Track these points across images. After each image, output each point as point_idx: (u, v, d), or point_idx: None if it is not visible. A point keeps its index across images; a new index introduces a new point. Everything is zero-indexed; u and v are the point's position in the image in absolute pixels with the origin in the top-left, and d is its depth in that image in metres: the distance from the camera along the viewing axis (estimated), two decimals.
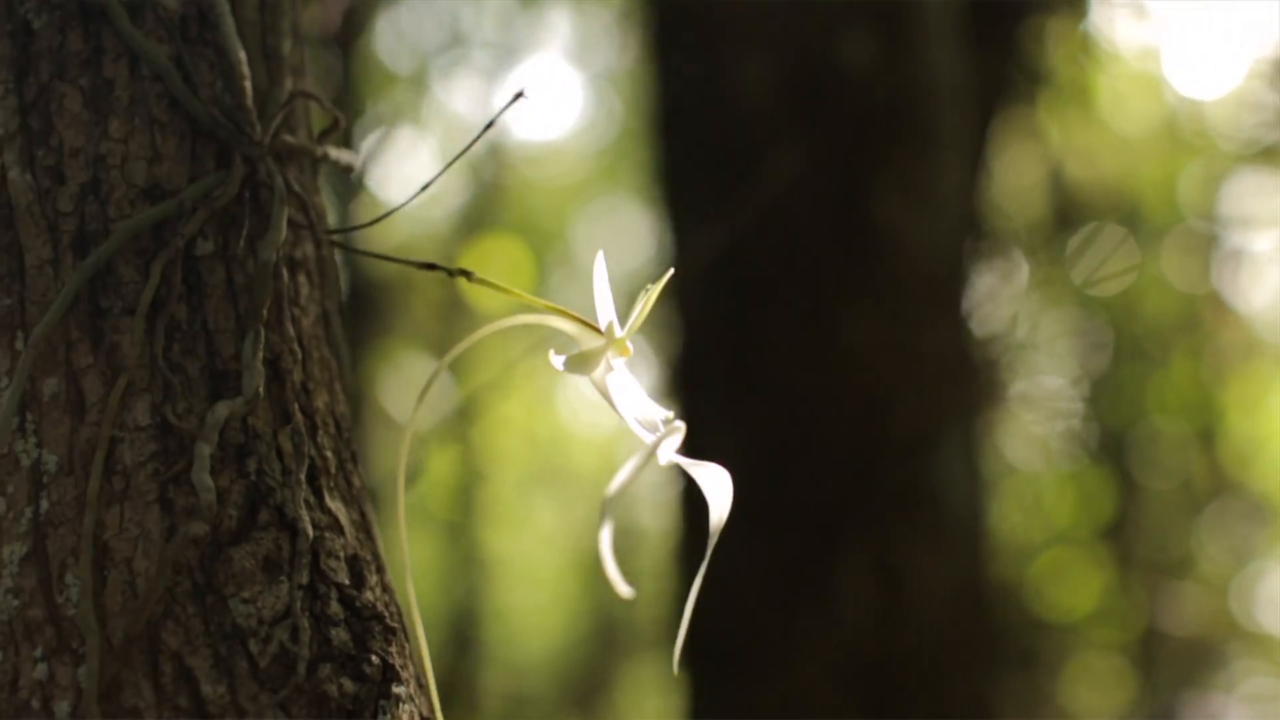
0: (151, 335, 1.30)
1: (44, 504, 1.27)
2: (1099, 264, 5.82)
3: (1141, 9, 6.16)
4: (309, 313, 1.39)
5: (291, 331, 1.34)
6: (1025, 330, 5.45)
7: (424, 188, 1.36)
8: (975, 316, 3.45)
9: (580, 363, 1.28)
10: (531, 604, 8.40)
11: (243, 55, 1.37)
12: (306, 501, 1.31)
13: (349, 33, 4.20)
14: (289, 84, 1.42)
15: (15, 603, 1.25)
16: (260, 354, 1.30)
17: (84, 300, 1.30)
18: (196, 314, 1.32)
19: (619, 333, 1.30)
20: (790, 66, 3.26)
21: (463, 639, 6.83)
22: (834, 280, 3.21)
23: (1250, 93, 6.15)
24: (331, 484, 1.34)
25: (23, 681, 1.24)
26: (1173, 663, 5.98)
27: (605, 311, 1.29)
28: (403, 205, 1.36)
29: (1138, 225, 6.02)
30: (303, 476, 1.31)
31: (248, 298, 1.33)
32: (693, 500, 3.37)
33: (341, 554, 1.31)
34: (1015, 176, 4.99)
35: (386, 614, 1.31)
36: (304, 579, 1.27)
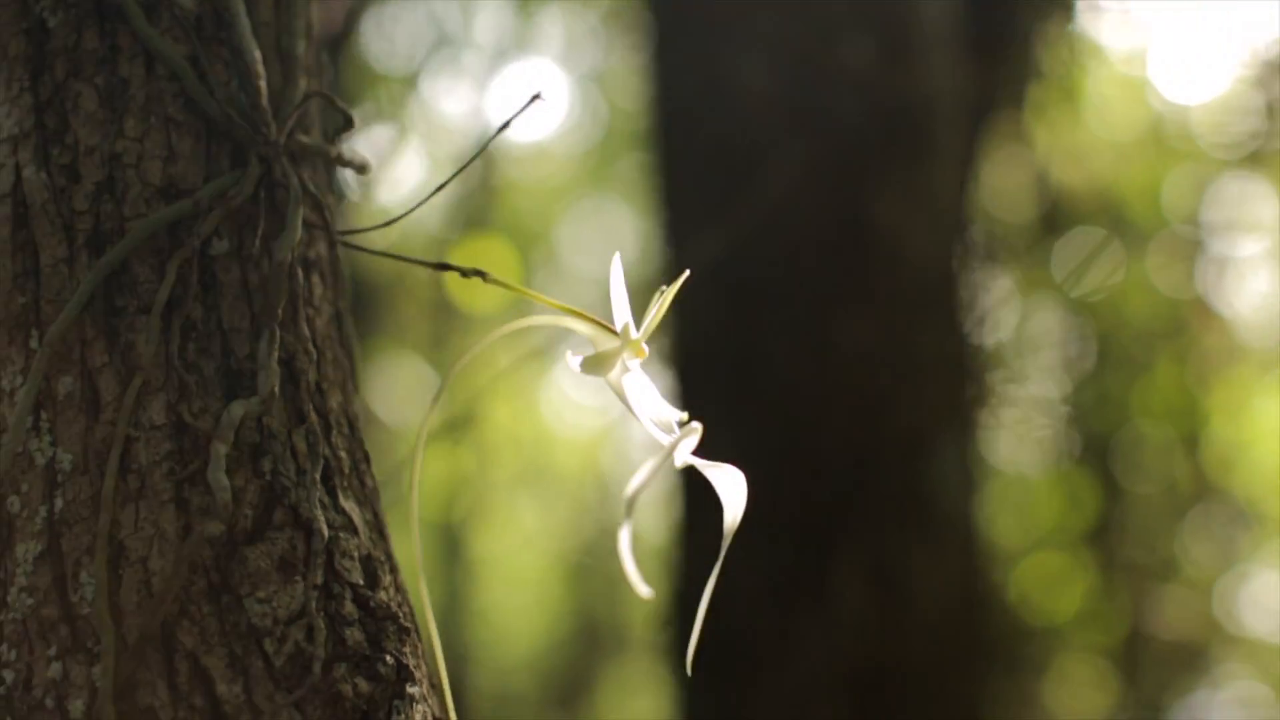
0: (167, 334, 1.29)
1: (59, 503, 1.27)
2: (1084, 268, 5.84)
3: (1128, 13, 6.18)
4: (322, 313, 1.39)
5: (306, 331, 1.34)
6: (1012, 334, 5.46)
7: (439, 188, 1.36)
8: (970, 320, 3.45)
9: (596, 364, 1.28)
10: (514, 604, 8.40)
11: (258, 55, 1.37)
12: (321, 502, 1.30)
13: (339, 33, 4.20)
14: (303, 84, 1.42)
15: (30, 601, 1.25)
16: (275, 354, 1.30)
17: (99, 299, 1.30)
18: (212, 313, 1.31)
19: (635, 334, 1.30)
20: (790, 70, 3.26)
21: (447, 639, 6.83)
22: (831, 283, 3.21)
23: (1236, 97, 6.17)
24: (345, 484, 1.34)
25: (37, 680, 1.24)
26: (1157, 666, 5.99)
27: (621, 313, 1.29)
28: (417, 206, 1.36)
29: (1123, 229, 6.03)
30: (318, 476, 1.31)
31: (263, 297, 1.32)
32: (688, 500, 3.38)
33: (356, 554, 1.31)
34: (1002, 180, 5.00)
35: (400, 614, 1.31)
36: (319, 579, 1.27)
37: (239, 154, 1.36)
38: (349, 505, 1.33)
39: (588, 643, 8.12)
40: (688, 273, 1.31)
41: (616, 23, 6.91)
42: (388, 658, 1.28)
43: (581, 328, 1.32)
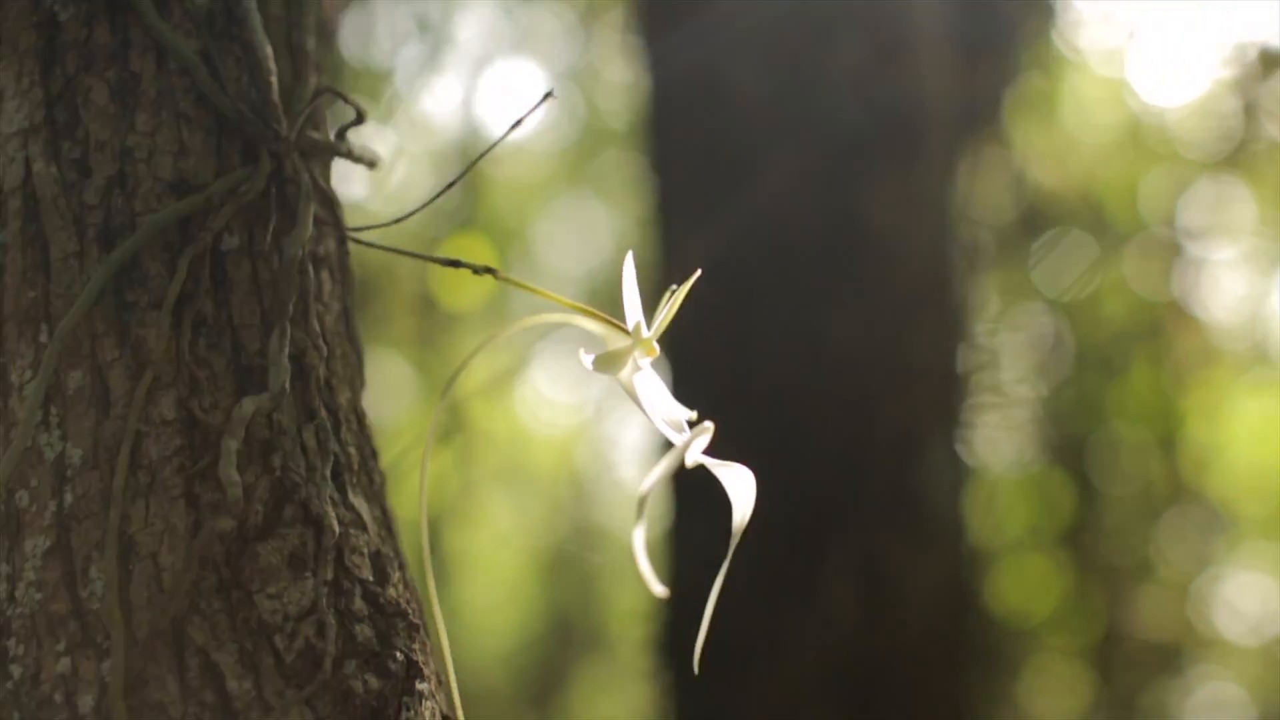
0: (178, 330, 1.29)
1: (68, 497, 1.26)
2: (1062, 270, 5.85)
3: (1107, 16, 6.19)
4: (331, 309, 1.39)
5: (316, 327, 1.34)
6: (995, 335, 5.47)
7: (449, 185, 1.36)
8: (961, 321, 3.46)
9: (608, 362, 1.28)
10: (489, 601, 8.39)
11: (269, 50, 1.37)
12: (331, 498, 1.30)
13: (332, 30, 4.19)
14: (313, 80, 1.42)
15: (38, 596, 1.25)
16: (286, 350, 1.30)
17: (109, 294, 1.29)
18: (222, 309, 1.31)
19: (646, 333, 1.30)
20: (783, 71, 3.27)
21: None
22: (823, 283, 3.22)
23: (1214, 100, 6.19)
24: (354, 480, 1.34)
25: (45, 675, 1.23)
26: (1131, 667, 6.01)
27: (633, 311, 1.30)
28: (427, 204, 1.36)
29: (1101, 231, 6.05)
30: (328, 473, 1.31)
31: (273, 293, 1.32)
32: (677, 499, 3.38)
33: (365, 550, 1.31)
34: (985, 182, 5.01)
35: (409, 610, 1.31)
36: (329, 575, 1.27)
37: (250, 149, 1.35)
38: (358, 501, 1.33)
39: (561, 640, 8.12)
40: (699, 272, 1.31)
41: (595, 20, 6.91)
42: (397, 654, 1.28)
43: (592, 326, 1.32)
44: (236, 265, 1.33)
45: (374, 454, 1.39)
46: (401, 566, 1.35)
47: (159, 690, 1.22)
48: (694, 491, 3.19)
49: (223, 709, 1.22)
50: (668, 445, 3.42)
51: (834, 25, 3.29)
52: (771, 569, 3.10)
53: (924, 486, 3.20)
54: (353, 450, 1.35)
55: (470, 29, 6.97)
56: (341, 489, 1.32)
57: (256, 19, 1.37)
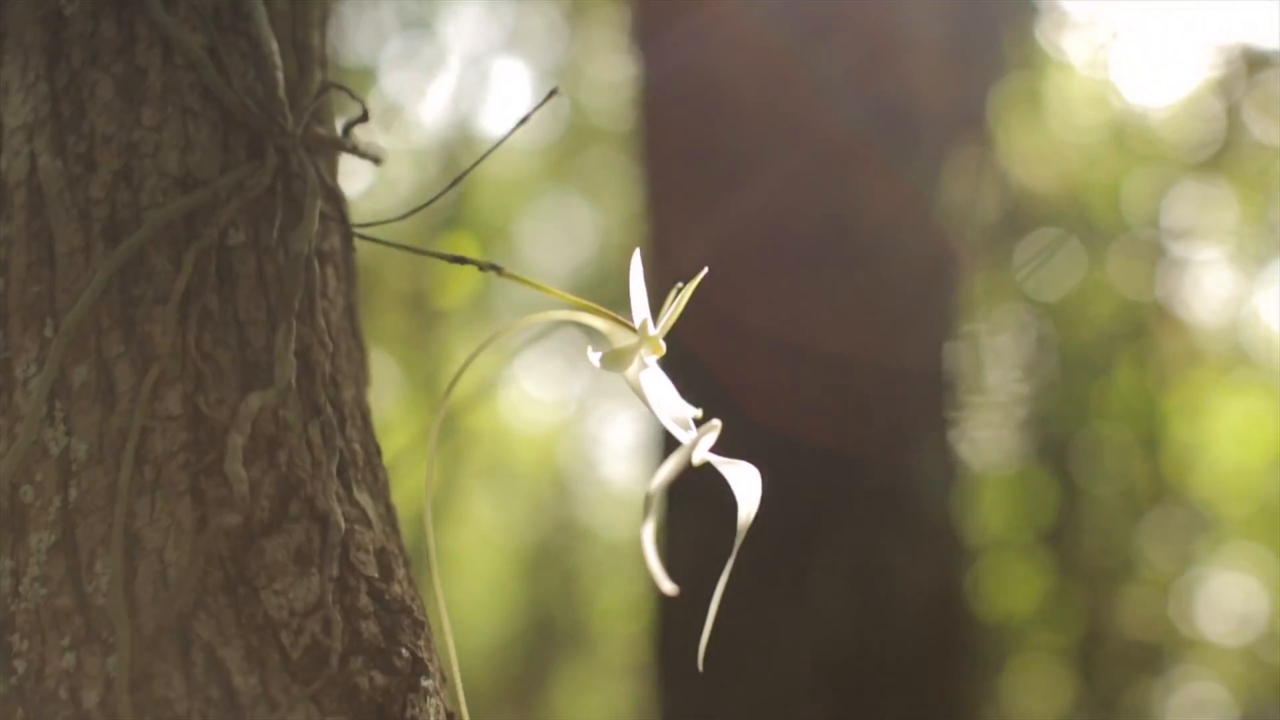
0: (184, 325, 1.29)
1: (73, 492, 1.26)
2: (1046, 270, 5.86)
3: (1092, 16, 6.21)
4: (336, 305, 1.39)
5: (322, 323, 1.34)
6: (981, 335, 5.47)
7: (454, 183, 1.36)
8: (952, 321, 3.47)
9: (616, 359, 1.28)
10: (470, 598, 8.39)
11: (275, 45, 1.37)
12: (336, 494, 1.30)
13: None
14: (319, 75, 1.42)
15: (43, 591, 1.24)
16: (292, 345, 1.30)
17: (115, 288, 1.29)
18: (228, 304, 1.31)
19: (653, 330, 1.30)
20: (775, 72, 3.27)
21: None
22: (814, 283, 3.22)
23: (1198, 101, 6.20)
24: (359, 477, 1.34)
25: (49, 670, 1.23)
26: (1113, 667, 6.02)
27: (640, 309, 1.30)
28: (432, 201, 1.36)
29: (1085, 232, 6.06)
30: (333, 469, 1.30)
31: (279, 289, 1.32)
32: (667, 497, 3.38)
33: (370, 547, 1.31)
34: (973, 182, 5.02)
35: (413, 607, 1.31)
36: (334, 571, 1.27)
37: (256, 145, 1.35)
38: (363, 498, 1.33)
39: (543, 637, 8.12)
40: (705, 270, 1.31)
41: (579, 18, 6.91)
42: (403, 651, 1.27)
43: (599, 323, 1.32)
44: (242, 260, 1.32)
45: (378, 450, 1.39)
46: (406, 563, 1.35)
47: (165, 686, 1.21)
48: (686, 489, 3.18)
49: (229, 705, 1.22)
50: (669, 443, 3.42)
51: (826, 26, 3.29)
52: (763, 567, 3.11)
53: (916, 485, 3.20)
54: (357, 447, 1.35)
55: (453, 25, 6.96)
56: (346, 485, 1.32)
57: (262, 14, 1.37)
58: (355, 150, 1.41)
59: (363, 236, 1.38)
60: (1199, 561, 6.46)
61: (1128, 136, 6.39)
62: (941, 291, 3.43)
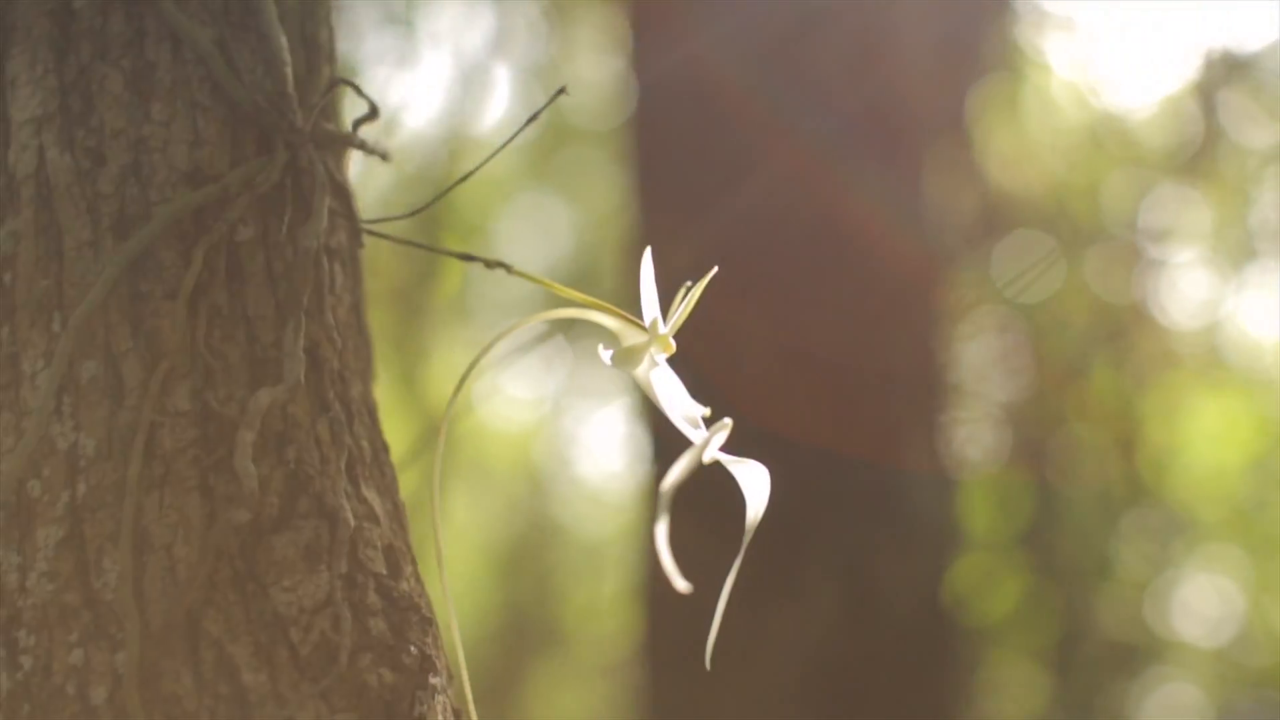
0: (193, 320, 1.28)
1: (81, 488, 1.25)
2: (1023, 271, 5.87)
3: (1071, 18, 6.22)
4: (344, 301, 1.39)
5: (331, 319, 1.34)
6: (965, 336, 5.48)
7: (462, 179, 1.36)
8: (941, 322, 3.48)
9: (626, 358, 1.28)
10: (442, 596, 8.37)
11: (284, 41, 1.37)
12: (345, 491, 1.30)
13: None
14: (327, 71, 1.42)
15: (50, 587, 1.24)
16: (301, 342, 1.30)
17: (123, 283, 1.29)
18: (237, 300, 1.31)
19: (663, 329, 1.30)
20: (767, 74, 3.27)
21: None
22: (804, 284, 3.23)
23: (1177, 105, 6.22)
24: (367, 473, 1.34)
25: (57, 666, 1.23)
26: (1088, 668, 6.03)
27: (650, 308, 1.30)
28: (439, 198, 1.36)
29: (1062, 234, 6.07)
30: (342, 465, 1.30)
31: (287, 285, 1.32)
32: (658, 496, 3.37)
33: (378, 544, 1.30)
34: (960, 184, 5.02)
35: (421, 604, 1.31)
36: (343, 568, 1.27)
37: (265, 140, 1.35)
38: (370, 495, 1.33)
39: (517, 636, 8.11)
40: (715, 269, 1.31)
41: (560, 17, 6.90)
42: (411, 648, 1.27)
43: (608, 322, 1.32)
44: (251, 256, 1.32)
45: (385, 447, 1.39)
46: (413, 560, 1.35)
47: (173, 682, 1.21)
48: (677, 492, 3.18)
49: (238, 701, 1.21)
50: (659, 442, 3.40)
51: (817, 27, 3.29)
52: (753, 568, 3.10)
53: (905, 487, 3.21)
54: (365, 443, 1.35)
55: (430, 22, 6.95)
56: (354, 482, 1.32)
57: (272, 9, 1.37)
58: (364, 147, 1.41)
59: (371, 232, 1.38)
60: (1175, 563, 6.47)
61: (1106, 139, 6.40)
62: (929, 293, 3.43)
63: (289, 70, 1.36)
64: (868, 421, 3.24)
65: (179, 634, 1.22)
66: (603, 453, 8.49)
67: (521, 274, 1.32)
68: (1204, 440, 6.41)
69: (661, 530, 1.15)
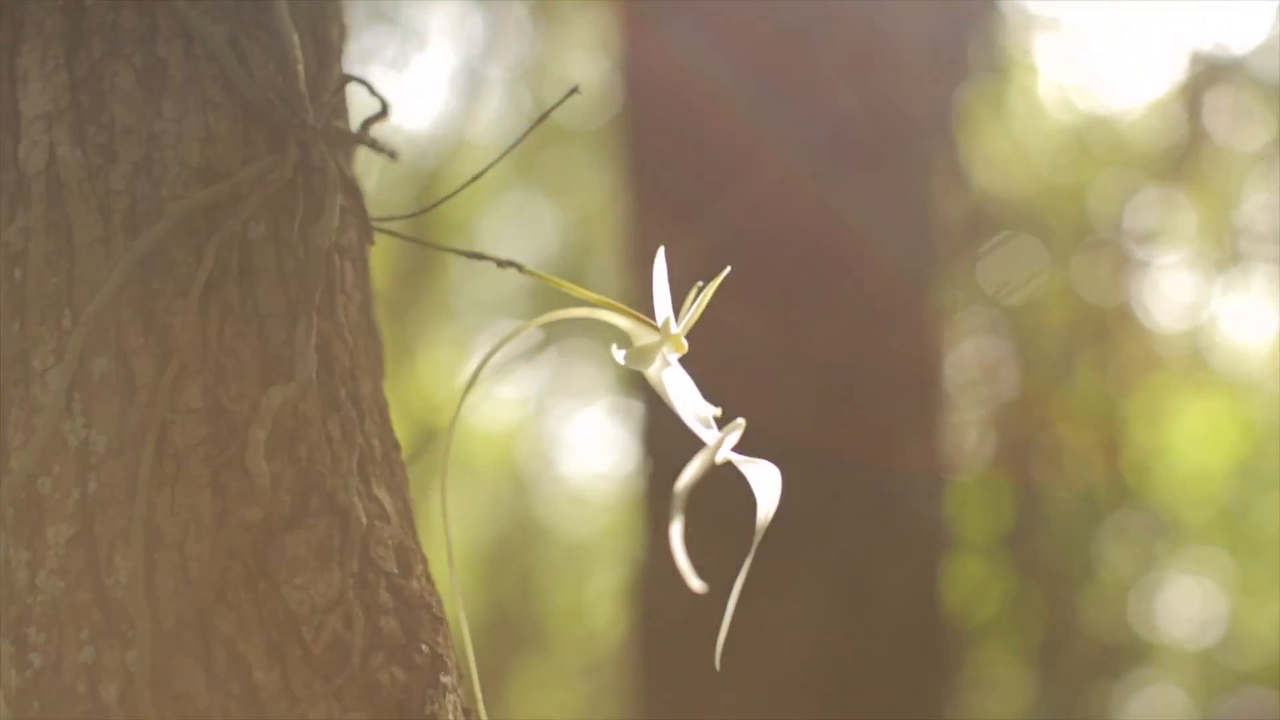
0: (204, 318, 1.28)
1: (92, 485, 1.25)
2: (1008, 272, 5.88)
3: (1058, 20, 6.23)
4: (354, 299, 1.38)
5: (342, 318, 1.33)
6: (954, 338, 5.49)
7: (476, 177, 1.36)
8: (937, 323, 3.48)
9: (639, 357, 1.28)
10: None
11: (296, 39, 1.36)
12: (356, 489, 1.30)
13: None
14: (337, 69, 1.41)
15: (61, 584, 1.24)
16: (313, 340, 1.29)
17: (135, 280, 1.28)
18: (248, 298, 1.30)
19: (675, 329, 1.30)
20: (763, 77, 3.27)
21: None
22: (800, 285, 3.23)
23: (1163, 108, 6.23)
24: (378, 472, 1.34)
25: (67, 664, 1.22)
26: (1071, 670, 6.04)
27: (662, 307, 1.30)
28: (453, 195, 1.36)
29: (1047, 236, 6.08)
30: (354, 464, 1.30)
31: (299, 283, 1.31)
32: (651, 497, 3.38)
33: (389, 542, 1.30)
34: (953, 185, 5.03)
35: (432, 603, 1.31)
36: (355, 567, 1.27)
37: (276, 138, 1.34)
38: (381, 493, 1.33)
39: (499, 636, 8.11)
40: (729, 269, 1.31)
41: (544, 16, 6.90)
42: (423, 647, 1.27)
43: (620, 321, 1.32)
44: (262, 254, 1.32)
45: (395, 446, 1.38)
46: (423, 559, 1.35)
47: (185, 680, 1.21)
48: (670, 489, 3.18)
49: (250, 700, 1.21)
50: (652, 442, 3.40)
51: (811, 29, 3.30)
52: (749, 568, 3.10)
53: (900, 487, 3.21)
54: (376, 442, 1.35)
55: (414, 21, 6.95)
56: (365, 480, 1.32)
57: (283, 6, 1.36)
58: (374, 145, 1.41)
59: (382, 230, 1.38)
60: (1158, 565, 6.49)
61: (1092, 141, 6.41)
62: (927, 294, 3.44)
63: (301, 68, 1.36)
64: (863, 422, 3.24)
65: (191, 632, 1.22)
66: (586, 453, 8.49)
67: (532, 273, 1.31)
68: (1188, 442, 6.43)
69: (676, 530, 1.15)
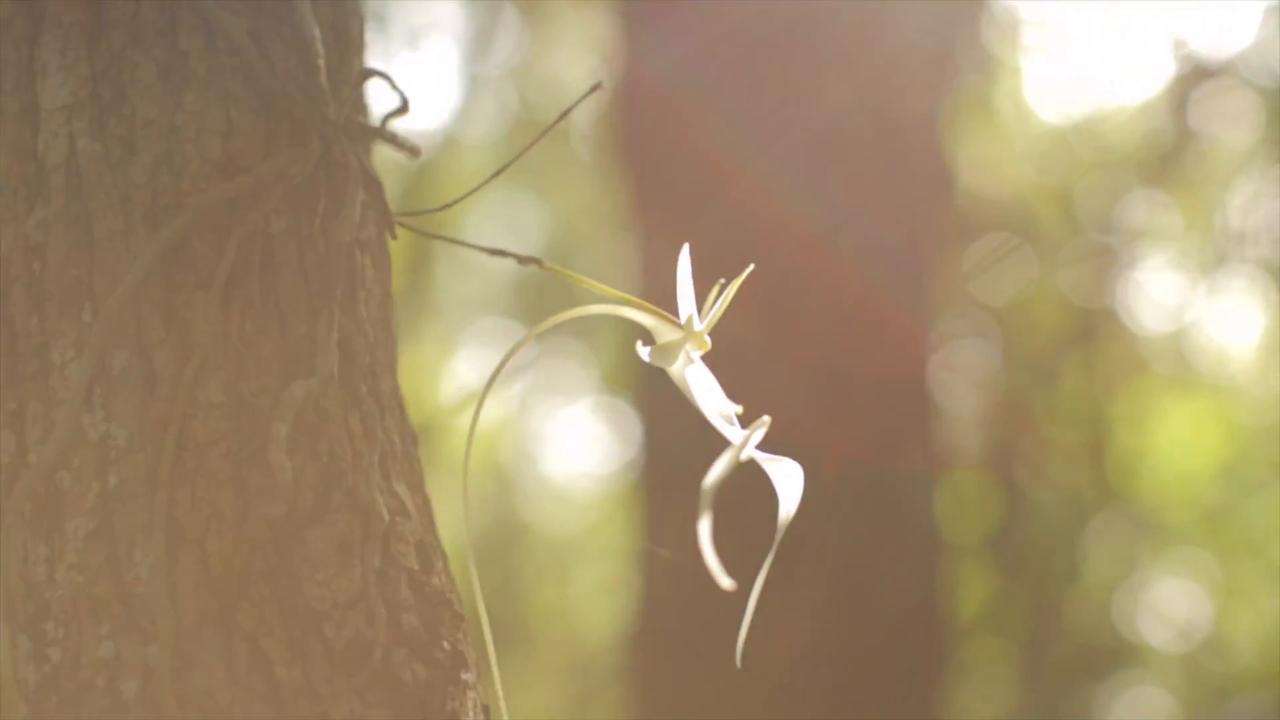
0: (226, 312, 1.27)
1: (112, 479, 1.24)
2: (994, 274, 5.89)
3: (1044, 20, 6.24)
4: (374, 295, 1.38)
5: (363, 313, 1.33)
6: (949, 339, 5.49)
7: (497, 173, 1.35)
8: (933, 322, 3.49)
9: (663, 354, 1.28)
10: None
11: (317, 33, 1.35)
12: (377, 485, 1.29)
13: None
14: (357, 63, 1.41)
15: (80, 579, 1.23)
16: (334, 335, 1.29)
17: (156, 274, 1.27)
18: (270, 292, 1.29)
19: (698, 326, 1.30)
20: (757, 73, 3.28)
21: None
22: (796, 285, 3.23)
23: (1149, 110, 6.25)
24: (398, 467, 1.33)
25: (86, 659, 1.22)
26: (1056, 671, 6.05)
27: (685, 304, 1.29)
28: (474, 190, 1.35)
29: (1033, 237, 6.09)
30: (375, 459, 1.29)
31: (319, 278, 1.31)
32: (654, 502, 3.38)
33: (410, 539, 1.30)
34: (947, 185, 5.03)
35: (452, 599, 1.31)
36: (376, 563, 1.26)
37: (297, 132, 1.33)
38: (401, 489, 1.32)
39: (477, 634, 8.09)
40: (752, 266, 1.31)
41: (532, 15, 6.89)
42: (444, 643, 1.27)
43: (642, 317, 1.31)
44: (284, 248, 1.31)
45: (414, 441, 1.38)
46: (443, 555, 1.34)
47: (206, 676, 1.20)
48: (669, 489, 3.19)
49: (271, 696, 1.20)
50: (653, 442, 3.38)
51: (802, 32, 3.30)
52: (747, 568, 3.10)
53: (897, 486, 3.21)
54: (395, 437, 1.34)
55: (401, 19, 6.94)
56: (385, 476, 1.31)
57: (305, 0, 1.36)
58: (394, 141, 1.40)
59: (403, 225, 1.37)
60: (1143, 567, 6.50)
61: (1078, 143, 6.42)
62: (923, 293, 3.44)
63: (322, 62, 1.35)
64: (861, 424, 3.24)
65: (212, 628, 1.21)
66: (570, 451, 8.49)
67: (555, 270, 1.31)
68: (1172, 444, 6.44)
69: (704, 528, 1.14)
